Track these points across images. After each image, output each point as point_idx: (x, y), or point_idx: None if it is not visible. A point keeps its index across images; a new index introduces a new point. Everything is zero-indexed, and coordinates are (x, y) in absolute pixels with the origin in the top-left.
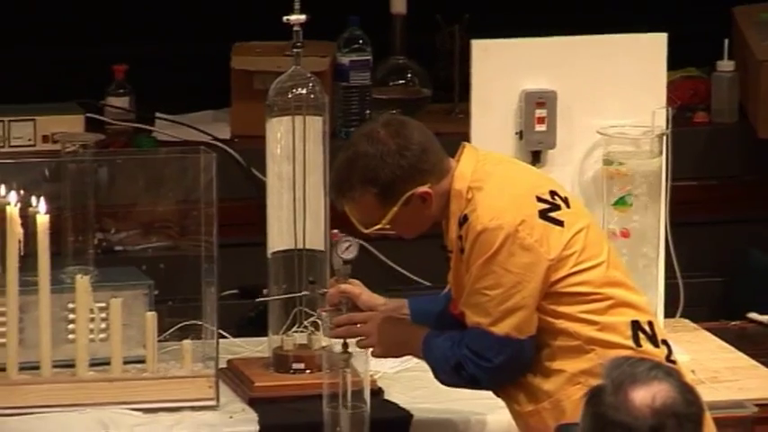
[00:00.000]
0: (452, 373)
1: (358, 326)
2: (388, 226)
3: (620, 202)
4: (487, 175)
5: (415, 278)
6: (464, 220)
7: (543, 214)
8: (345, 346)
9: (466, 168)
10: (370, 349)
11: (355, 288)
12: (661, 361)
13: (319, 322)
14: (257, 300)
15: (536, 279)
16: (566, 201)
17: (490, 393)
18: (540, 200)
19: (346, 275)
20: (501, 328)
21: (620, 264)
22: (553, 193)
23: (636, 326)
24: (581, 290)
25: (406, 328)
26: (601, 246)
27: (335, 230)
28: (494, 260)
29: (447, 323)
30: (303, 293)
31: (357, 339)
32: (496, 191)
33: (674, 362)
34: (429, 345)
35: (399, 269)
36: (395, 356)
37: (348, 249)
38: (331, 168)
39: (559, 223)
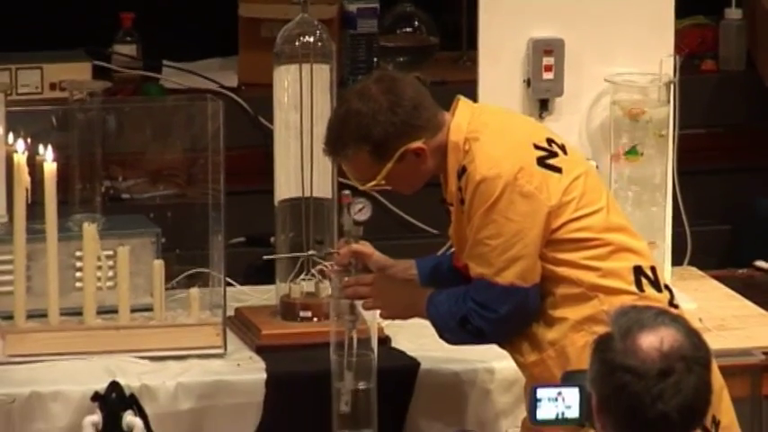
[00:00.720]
0: (458, 329)
1: (364, 288)
2: (383, 182)
3: (632, 152)
4: (483, 125)
5: (422, 225)
6: (462, 171)
7: (541, 161)
8: (352, 307)
9: (462, 120)
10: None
11: (367, 248)
12: (666, 307)
13: (326, 269)
14: (265, 258)
15: (537, 226)
16: (562, 148)
17: None
18: (537, 147)
19: (357, 236)
20: (505, 278)
21: (620, 210)
22: (550, 141)
23: (638, 271)
24: (582, 236)
25: (412, 290)
26: (600, 192)
27: (347, 192)
28: (494, 209)
29: (455, 282)
30: (310, 253)
31: (363, 301)
32: (493, 140)
33: (676, 306)
34: (433, 302)
35: (406, 216)
36: (401, 318)
37: (361, 211)
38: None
39: (557, 170)
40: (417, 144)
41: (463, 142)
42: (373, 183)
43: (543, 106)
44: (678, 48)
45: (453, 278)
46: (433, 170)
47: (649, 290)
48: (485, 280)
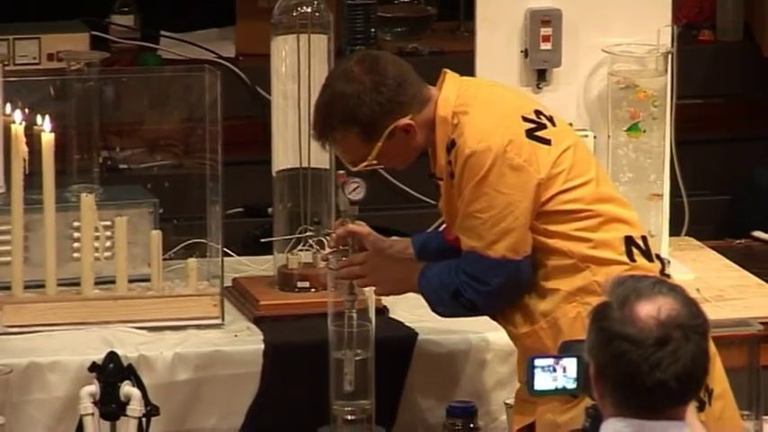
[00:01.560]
0: (450, 302)
1: (358, 268)
2: (375, 161)
3: (634, 128)
4: (472, 98)
5: (419, 196)
6: (452, 145)
7: (530, 134)
8: (351, 286)
9: (449, 94)
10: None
11: (363, 228)
12: (663, 277)
13: (324, 241)
14: (262, 240)
15: (527, 198)
16: (550, 119)
17: None
18: (525, 120)
19: (353, 216)
20: (496, 251)
21: (609, 180)
22: (538, 113)
23: (629, 241)
24: (572, 207)
25: (404, 265)
26: (589, 163)
27: (341, 171)
28: (485, 182)
29: (442, 259)
30: (307, 234)
31: (358, 280)
32: (482, 113)
33: (668, 275)
34: (426, 276)
35: (403, 186)
36: (395, 293)
37: (356, 190)
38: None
39: (546, 142)
40: (405, 121)
41: (451, 116)
42: (365, 163)
43: (541, 77)
44: (675, 18)
45: (441, 255)
46: (422, 145)
47: (641, 260)
48: (476, 253)
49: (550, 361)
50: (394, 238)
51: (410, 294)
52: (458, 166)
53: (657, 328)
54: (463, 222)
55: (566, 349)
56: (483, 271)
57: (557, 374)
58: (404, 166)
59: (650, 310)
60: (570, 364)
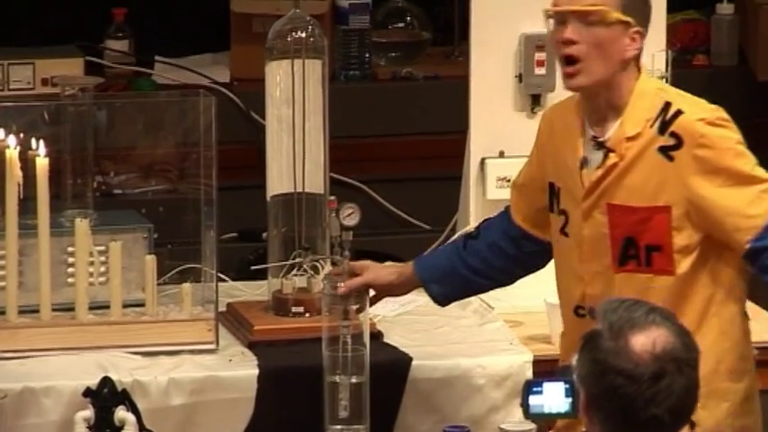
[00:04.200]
0: None
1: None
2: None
3: None
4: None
5: (414, 221)
6: (676, 114)
7: None
8: (346, 311)
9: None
10: (371, 292)
11: (368, 275)
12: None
13: (318, 266)
14: (252, 268)
15: None
16: None
17: (489, 336)
18: None
19: (347, 242)
20: None
21: None
22: None
23: None
24: None
25: None
26: None
27: (332, 198)
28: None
29: (458, 277)
30: (298, 261)
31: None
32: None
33: None
34: None
35: (397, 211)
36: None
37: (350, 216)
38: None
39: None
40: (637, 29)
41: (655, 92)
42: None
43: (535, 101)
44: (670, 43)
45: (457, 276)
46: (608, 78)
47: None
48: None
49: (548, 384)
50: (388, 263)
51: (405, 318)
52: (694, 135)
53: (653, 363)
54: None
55: (564, 373)
56: None
57: (553, 397)
58: (591, 74)
59: (645, 342)
60: (563, 388)
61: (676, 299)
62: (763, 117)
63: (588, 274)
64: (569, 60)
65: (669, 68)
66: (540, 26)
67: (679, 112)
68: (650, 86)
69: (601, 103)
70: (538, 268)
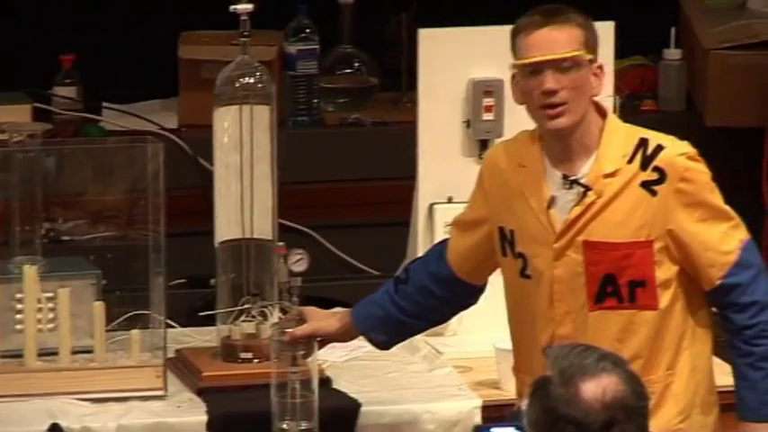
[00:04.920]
0: None
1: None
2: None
3: None
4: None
5: (363, 267)
6: (657, 150)
7: None
8: (294, 357)
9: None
10: (318, 339)
11: (314, 324)
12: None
13: (267, 312)
14: (200, 314)
15: None
16: None
17: (438, 381)
18: None
19: (296, 288)
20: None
21: None
22: None
23: None
24: None
25: None
26: None
27: (281, 243)
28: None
29: (393, 322)
30: (246, 306)
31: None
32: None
33: None
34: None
35: (347, 258)
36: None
37: (299, 262)
38: None
39: None
40: (600, 64)
41: (626, 130)
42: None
43: (483, 147)
44: (618, 88)
45: (393, 322)
46: (583, 116)
47: None
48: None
49: (495, 430)
50: (336, 309)
51: (354, 364)
52: (676, 169)
53: (603, 412)
54: (717, 224)
55: (513, 417)
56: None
57: None
58: (568, 115)
59: (595, 390)
60: None
61: (659, 332)
62: (711, 162)
63: (559, 314)
64: (553, 104)
65: (617, 113)
66: (488, 72)
67: (660, 147)
68: (619, 124)
69: (572, 143)
70: (469, 306)
